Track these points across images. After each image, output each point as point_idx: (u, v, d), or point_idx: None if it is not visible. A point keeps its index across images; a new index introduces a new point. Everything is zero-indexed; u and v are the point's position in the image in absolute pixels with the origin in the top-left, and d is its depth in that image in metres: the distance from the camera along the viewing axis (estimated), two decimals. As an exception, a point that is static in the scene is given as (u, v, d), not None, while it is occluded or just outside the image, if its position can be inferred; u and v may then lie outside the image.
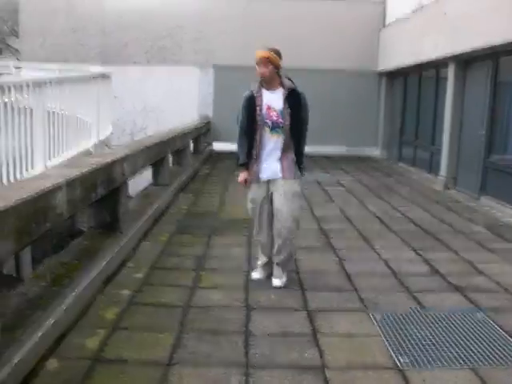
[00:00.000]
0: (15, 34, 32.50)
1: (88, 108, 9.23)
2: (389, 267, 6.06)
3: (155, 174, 8.55)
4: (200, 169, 13.36)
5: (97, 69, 10.93)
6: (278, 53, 5.05)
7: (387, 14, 17.38)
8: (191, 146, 12.84)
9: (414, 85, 15.26)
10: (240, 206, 9.01)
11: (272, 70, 4.99)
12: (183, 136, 10.78)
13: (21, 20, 18.55)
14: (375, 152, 17.89)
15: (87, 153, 8.94)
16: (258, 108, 5.03)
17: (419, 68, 14.22)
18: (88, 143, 9.11)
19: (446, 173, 11.91)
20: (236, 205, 9.22)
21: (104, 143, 10.11)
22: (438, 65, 12.78)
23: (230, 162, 14.55)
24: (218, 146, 17.28)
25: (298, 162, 5.21)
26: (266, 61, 4.96)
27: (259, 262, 5.54)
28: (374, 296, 5.14)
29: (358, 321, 4.57)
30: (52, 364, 3.64)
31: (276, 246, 5.27)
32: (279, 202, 5.13)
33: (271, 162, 5.14)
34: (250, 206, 5.40)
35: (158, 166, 8.31)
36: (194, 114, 17.25)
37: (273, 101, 5.06)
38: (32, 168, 6.56)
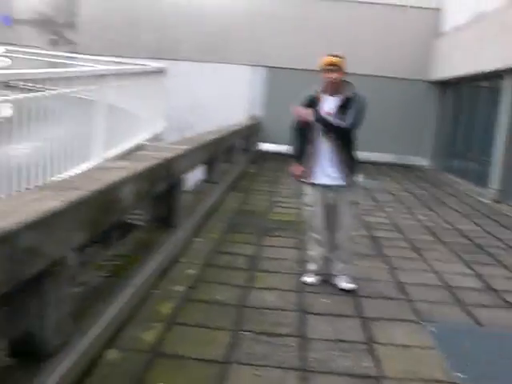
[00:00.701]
0: (69, 25, 33.09)
1: (144, 102, 9.33)
2: (441, 279, 5.97)
3: (207, 171, 8.60)
4: (248, 168, 13.40)
5: (152, 64, 11.04)
6: (345, 60, 5.15)
7: (442, 21, 17.10)
8: (241, 144, 12.88)
9: (466, 95, 15.02)
10: (290, 208, 9.08)
11: (340, 77, 5.08)
12: (235, 134, 10.84)
13: (81, 12, 18.88)
14: (422, 161, 17.61)
15: (141, 147, 9.04)
16: (315, 110, 5.07)
17: (473, 78, 13.97)
18: (142, 137, 9.21)
19: (497, 186, 11.69)
20: (286, 206, 9.26)
21: (157, 138, 10.20)
22: (493, 75, 12.53)
23: (278, 162, 14.62)
24: (266, 146, 17.29)
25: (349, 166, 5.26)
26: (337, 68, 5.04)
27: (312, 267, 5.55)
28: (427, 308, 5.07)
29: (412, 332, 4.53)
30: (112, 355, 3.69)
31: (337, 250, 5.40)
32: (339, 211, 5.27)
33: (326, 168, 5.19)
34: (306, 209, 5.57)
35: (210, 163, 8.35)
36: (242, 113, 17.27)
37: (329, 106, 5.11)
38: (91, 160, 6.68)
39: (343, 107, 5.08)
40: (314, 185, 5.28)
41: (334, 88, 5.13)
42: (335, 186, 5.19)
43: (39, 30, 33.96)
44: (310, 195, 5.40)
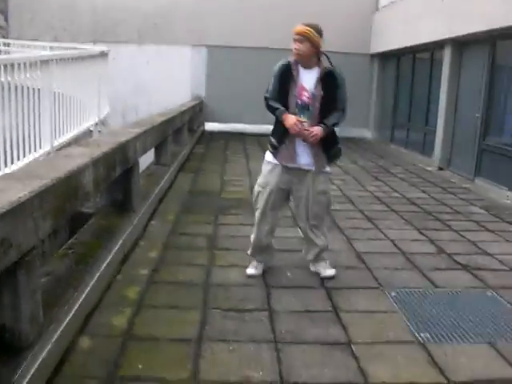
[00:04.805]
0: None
1: (88, 87, 9.16)
2: (396, 246, 6.16)
3: (158, 154, 8.56)
4: (195, 148, 13.37)
5: (95, 47, 10.83)
6: (318, 30, 4.48)
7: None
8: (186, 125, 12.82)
9: (407, 67, 15.29)
10: (241, 186, 9.14)
11: (308, 49, 4.41)
12: (182, 115, 10.80)
13: (11, -4, 18.20)
14: (367, 133, 17.92)
15: (88, 132, 8.91)
16: (292, 82, 4.49)
17: (413, 50, 14.24)
18: (89, 123, 9.07)
19: (440, 154, 12.03)
20: (237, 184, 9.30)
21: (102, 122, 10.06)
22: (432, 47, 12.82)
23: (222, 141, 14.73)
24: (209, 125, 17.25)
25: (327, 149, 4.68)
26: (301, 37, 4.39)
27: (253, 261, 5.13)
28: (386, 274, 5.23)
29: (374, 298, 4.68)
30: (85, 342, 3.68)
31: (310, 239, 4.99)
32: (307, 198, 4.76)
33: (303, 148, 4.61)
34: (257, 189, 4.85)
35: (160, 145, 8.30)
36: (186, 93, 17.16)
37: (307, 80, 4.50)
38: (40, 148, 6.54)
39: (323, 82, 4.51)
40: (276, 165, 4.68)
41: (303, 61, 4.50)
42: (309, 173, 4.68)
43: (-34, 17, 32.70)
44: (266, 175, 4.76)
